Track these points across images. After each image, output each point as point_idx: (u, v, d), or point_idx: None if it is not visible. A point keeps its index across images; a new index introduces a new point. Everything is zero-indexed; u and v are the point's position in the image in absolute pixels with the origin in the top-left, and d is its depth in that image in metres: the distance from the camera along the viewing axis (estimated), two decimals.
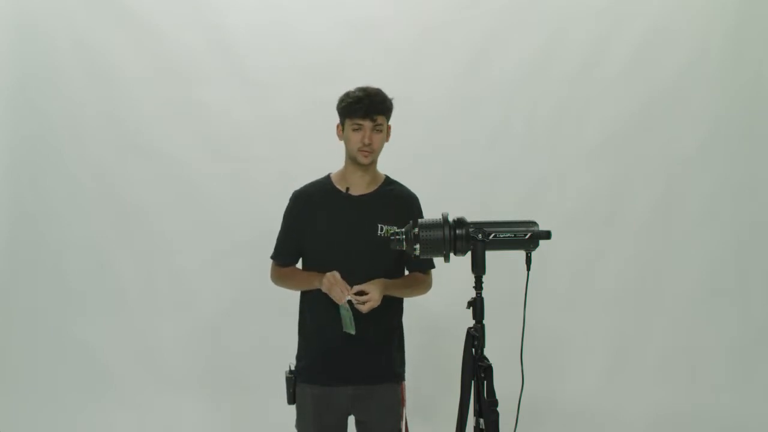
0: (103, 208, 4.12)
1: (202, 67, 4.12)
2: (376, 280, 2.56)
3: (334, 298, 2.50)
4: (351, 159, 2.66)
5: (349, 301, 2.48)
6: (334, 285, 2.50)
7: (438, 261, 2.35)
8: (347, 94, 2.63)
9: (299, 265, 2.77)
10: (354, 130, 2.59)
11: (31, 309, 4.09)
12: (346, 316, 2.49)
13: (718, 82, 4.24)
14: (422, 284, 2.77)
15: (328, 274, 2.52)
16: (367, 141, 2.58)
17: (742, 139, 4.25)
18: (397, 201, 2.72)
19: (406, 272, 2.77)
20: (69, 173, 4.12)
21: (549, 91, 4.21)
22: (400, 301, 2.73)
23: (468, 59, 4.18)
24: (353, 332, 2.50)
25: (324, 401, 2.64)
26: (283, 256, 2.75)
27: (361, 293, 2.50)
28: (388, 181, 2.76)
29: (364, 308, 2.49)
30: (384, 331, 2.67)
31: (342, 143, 2.68)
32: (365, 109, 2.57)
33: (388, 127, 2.66)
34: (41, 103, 4.12)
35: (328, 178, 2.74)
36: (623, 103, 4.21)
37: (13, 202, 4.12)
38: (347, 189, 2.68)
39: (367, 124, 2.58)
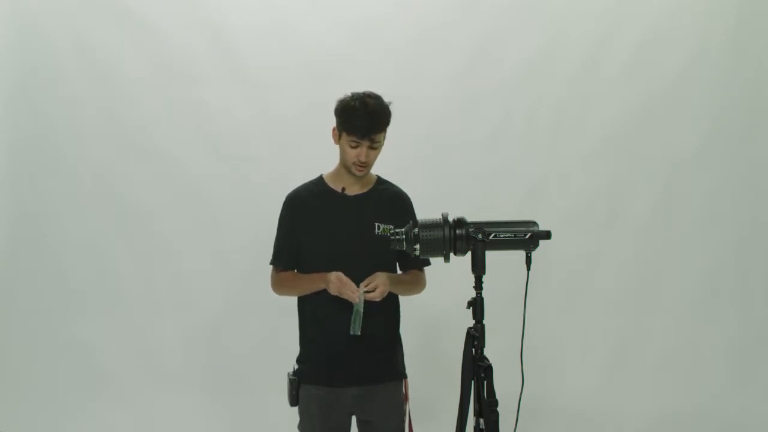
0: (103, 208, 4.12)
1: (202, 67, 4.12)
2: (378, 273, 2.56)
3: (348, 299, 2.49)
4: (345, 168, 2.66)
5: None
6: (343, 286, 2.49)
7: (438, 261, 2.35)
8: (346, 105, 2.59)
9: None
10: (351, 146, 2.59)
11: (31, 309, 4.09)
12: (358, 315, 2.46)
13: (718, 82, 4.24)
14: (419, 282, 2.79)
15: (333, 276, 2.52)
16: (363, 159, 2.59)
17: (742, 139, 4.26)
18: (391, 200, 2.74)
19: (399, 272, 2.77)
20: (69, 173, 4.12)
21: (549, 91, 4.21)
22: (398, 300, 2.74)
23: (468, 59, 4.18)
24: (359, 333, 2.47)
25: (329, 402, 2.63)
26: (283, 260, 2.73)
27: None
28: (380, 181, 2.78)
29: (377, 294, 2.49)
30: (387, 329, 2.69)
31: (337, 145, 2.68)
32: (365, 130, 2.56)
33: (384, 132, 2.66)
34: (41, 103, 4.11)
35: (320, 179, 2.75)
36: (623, 103, 4.21)
37: (13, 202, 4.12)
38: (343, 189, 2.68)
39: (365, 142, 2.58)
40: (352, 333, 2.48)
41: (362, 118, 2.55)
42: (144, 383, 4.04)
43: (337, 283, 2.50)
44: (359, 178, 2.67)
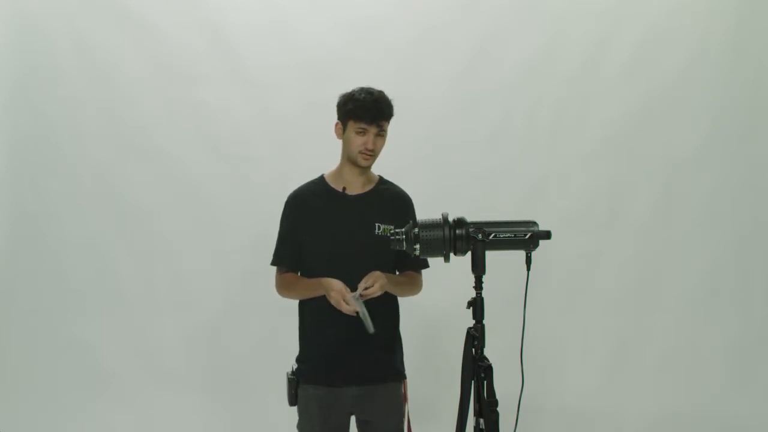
0: (103, 208, 4.12)
1: (202, 67, 4.12)
2: (372, 272, 2.55)
3: (346, 312, 2.48)
4: (350, 160, 2.66)
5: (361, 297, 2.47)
6: (341, 301, 2.47)
7: (438, 261, 2.36)
8: (352, 96, 2.61)
9: None
10: (358, 133, 2.59)
11: (31, 309, 4.08)
12: (365, 318, 2.46)
13: (718, 82, 4.24)
14: (416, 283, 2.79)
15: (336, 287, 2.50)
16: (370, 146, 2.60)
17: (742, 139, 4.26)
18: (393, 200, 2.74)
19: (396, 273, 2.77)
20: (69, 173, 4.12)
21: (549, 91, 4.21)
22: (398, 299, 2.74)
23: (468, 59, 4.18)
24: (372, 331, 2.47)
25: (329, 402, 2.64)
26: (286, 260, 2.74)
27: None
28: (383, 181, 2.78)
29: (377, 288, 2.49)
30: (387, 329, 2.68)
31: (339, 141, 2.68)
32: (373, 115, 2.56)
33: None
34: (41, 103, 4.11)
35: (322, 178, 2.75)
36: (623, 103, 4.21)
37: (13, 202, 4.11)
38: (344, 189, 2.68)
39: (373, 129, 2.58)
40: (371, 332, 2.47)
41: (370, 104, 2.56)
42: (144, 383, 4.04)
43: (338, 296, 2.48)
44: (363, 170, 2.67)
